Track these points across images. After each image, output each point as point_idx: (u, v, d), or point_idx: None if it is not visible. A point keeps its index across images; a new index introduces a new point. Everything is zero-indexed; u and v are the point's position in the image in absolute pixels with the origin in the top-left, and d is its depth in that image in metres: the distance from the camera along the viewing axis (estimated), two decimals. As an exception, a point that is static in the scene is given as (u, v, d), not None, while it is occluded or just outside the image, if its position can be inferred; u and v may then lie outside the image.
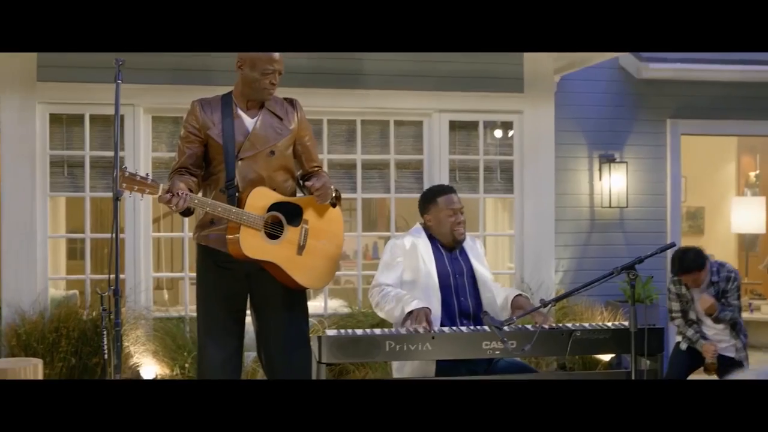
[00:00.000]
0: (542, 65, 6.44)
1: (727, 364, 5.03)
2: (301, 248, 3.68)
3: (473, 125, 6.46)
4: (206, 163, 3.72)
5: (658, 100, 7.44)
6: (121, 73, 3.26)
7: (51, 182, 5.97)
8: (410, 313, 3.59)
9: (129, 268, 5.97)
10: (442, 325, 3.72)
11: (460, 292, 3.86)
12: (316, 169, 3.89)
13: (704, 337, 5.11)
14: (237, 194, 3.59)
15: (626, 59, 7.31)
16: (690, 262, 4.99)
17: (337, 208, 3.87)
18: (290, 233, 3.65)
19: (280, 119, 3.71)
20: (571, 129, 7.20)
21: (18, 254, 5.82)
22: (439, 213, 3.92)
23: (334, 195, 3.80)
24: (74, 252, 7.88)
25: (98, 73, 5.69)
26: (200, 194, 3.65)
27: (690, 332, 5.14)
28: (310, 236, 3.71)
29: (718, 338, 5.11)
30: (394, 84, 6.27)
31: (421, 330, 3.47)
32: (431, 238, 3.94)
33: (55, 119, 5.99)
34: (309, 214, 3.73)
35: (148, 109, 6.04)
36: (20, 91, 5.86)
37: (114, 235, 3.16)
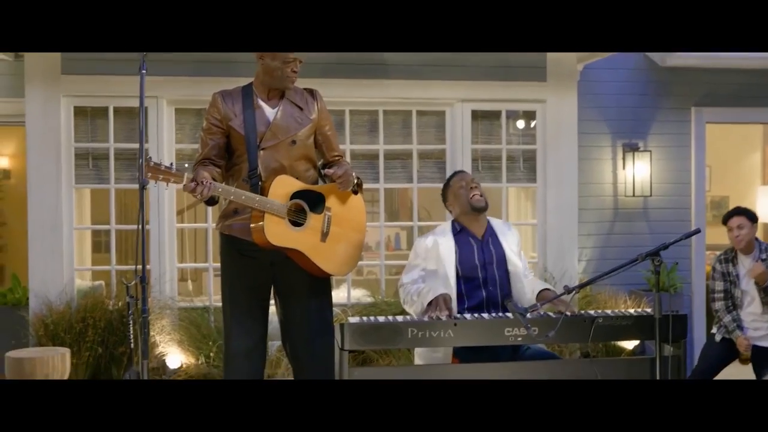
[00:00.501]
0: (565, 54, 6.41)
1: (762, 356, 4.98)
2: (324, 235, 3.70)
3: (496, 114, 6.45)
4: (229, 154, 3.75)
5: (682, 88, 7.37)
6: (145, 64, 3.29)
7: (76, 174, 6.04)
8: (430, 303, 3.62)
9: (154, 258, 6.03)
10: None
11: (489, 282, 3.85)
12: (337, 158, 3.91)
13: (740, 326, 5.05)
14: (260, 183, 3.62)
15: (650, 47, 7.24)
16: (738, 209, 5.12)
17: (359, 195, 3.89)
18: (313, 220, 3.68)
19: (301, 109, 3.74)
20: (594, 118, 7.15)
21: (44, 245, 5.89)
22: (454, 191, 3.99)
23: (355, 182, 3.82)
24: (99, 245, 7.97)
25: (122, 66, 5.75)
26: (223, 184, 3.68)
27: (728, 319, 5.05)
28: (334, 223, 3.73)
29: (755, 325, 5.04)
30: (416, 74, 6.27)
31: (443, 317, 3.48)
32: (460, 231, 3.94)
33: (79, 112, 6.06)
34: (331, 202, 3.75)
35: (172, 101, 6.09)
36: (45, 84, 5.92)
37: (140, 224, 3.20)
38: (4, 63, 6.63)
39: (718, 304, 5.13)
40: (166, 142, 6.05)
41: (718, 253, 5.31)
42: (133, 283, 3.39)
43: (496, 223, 4.07)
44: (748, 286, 5.04)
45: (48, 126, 5.92)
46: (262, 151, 3.65)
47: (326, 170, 3.74)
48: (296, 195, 3.65)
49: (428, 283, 3.78)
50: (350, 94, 6.17)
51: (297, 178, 3.70)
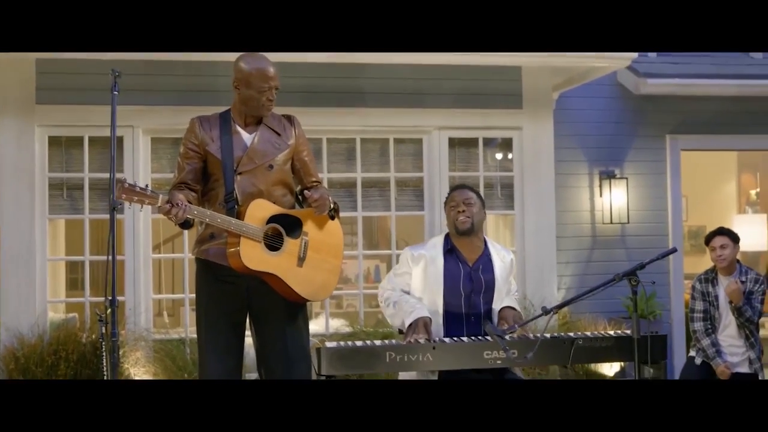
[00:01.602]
0: (540, 81, 6.46)
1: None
2: (301, 260, 3.66)
3: (473, 142, 6.47)
4: (205, 179, 3.72)
5: (657, 115, 7.44)
6: (117, 84, 3.26)
7: (50, 205, 5.98)
8: (410, 325, 3.57)
9: (129, 289, 5.95)
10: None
11: (472, 315, 3.76)
12: (314, 183, 3.88)
13: (719, 352, 5.03)
14: (236, 207, 3.59)
15: (624, 76, 7.33)
16: (721, 230, 5.15)
17: (336, 220, 3.86)
18: (290, 245, 3.63)
19: (278, 134, 3.73)
20: (570, 146, 7.20)
21: (17, 277, 5.80)
22: (447, 210, 3.87)
23: (332, 207, 3.79)
24: (75, 282, 7.86)
25: (97, 95, 5.69)
26: (199, 207, 3.64)
27: (706, 342, 5.04)
28: (310, 248, 3.69)
29: (732, 350, 5.04)
30: (393, 102, 6.29)
31: (421, 341, 3.44)
32: (450, 250, 3.82)
33: (54, 142, 6.01)
34: (309, 227, 3.71)
35: (148, 130, 6.06)
36: (19, 114, 5.88)
37: (110, 245, 3.14)
38: (-23, 94, 6.59)
39: (697, 325, 5.12)
40: (141, 172, 6.00)
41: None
42: (105, 314, 3.33)
43: (496, 248, 3.92)
44: (725, 308, 5.05)
45: (22, 156, 5.86)
46: (239, 176, 3.62)
47: (304, 192, 3.72)
48: (273, 219, 3.61)
49: (412, 302, 3.73)
50: (327, 122, 6.17)
51: (274, 203, 3.67)
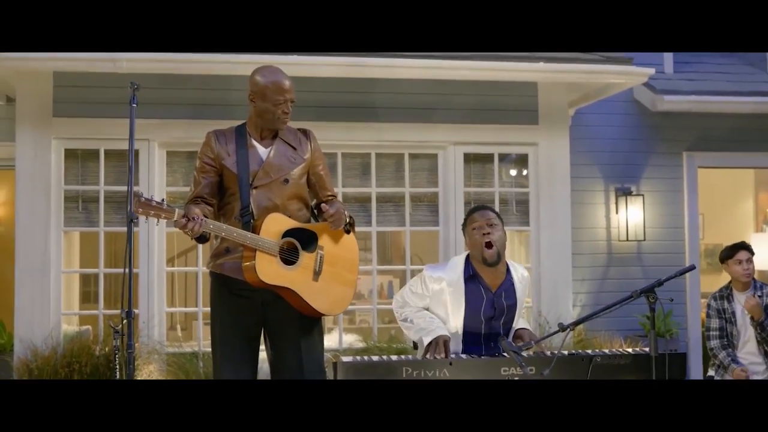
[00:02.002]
0: (556, 96, 6.45)
1: None
2: (316, 274, 3.65)
3: (488, 157, 6.46)
4: (221, 193, 3.73)
5: (673, 132, 7.42)
6: (136, 97, 3.27)
7: (65, 217, 6.00)
8: (430, 343, 3.56)
9: (143, 302, 5.95)
10: None
11: (491, 337, 3.72)
12: (330, 198, 3.88)
13: (735, 360, 4.99)
14: (252, 221, 3.59)
15: (641, 92, 7.32)
16: (744, 244, 5.10)
17: (352, 234, 3.85)
18: (306, 259, 3.63)
19: (294, 149, 3.73)
20: (586, 162, 7.18)
21: (32, 289, 5.82)
22: (469, 232, 3.72)
23: (348, 221, 3.78)
24: (88, 295, 7.88)
25: (113, 109, 5.74)
26: (215, 221, 3.64)
27: (722, 354, 5.00)
28: (326, 262, 3.68)
29: (753, 368, 4.98)
30: (408, 117, 6.29)
31: (438, 357, 3.43)
32: (472, 277, 3.70)
33: (70, 154, 6.04)
34: (324, 240, 3.71)
35: (163, 143, 6.09)
36: (36, 126, 5.92)
37: (127, 256, 3.15)
38: (-5, 106, 6.65)
39: (714, 342, 5.08)
40: (157, 185, 6.03)
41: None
42: (120, 325, 3.33)
43: (515, 269, 3.82)
44: (743, 325, 5.01)
45: (38, 168, 5.90)
46: (254, 190, 3.63)
47: (320, 206, 3.72)
48: (288, 233, 3.61)
49: (429, 319, 3.70)
50: (343, 137, 6.18)
51: (289, 217, 3.67)
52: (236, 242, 3.50)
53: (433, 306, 3.77)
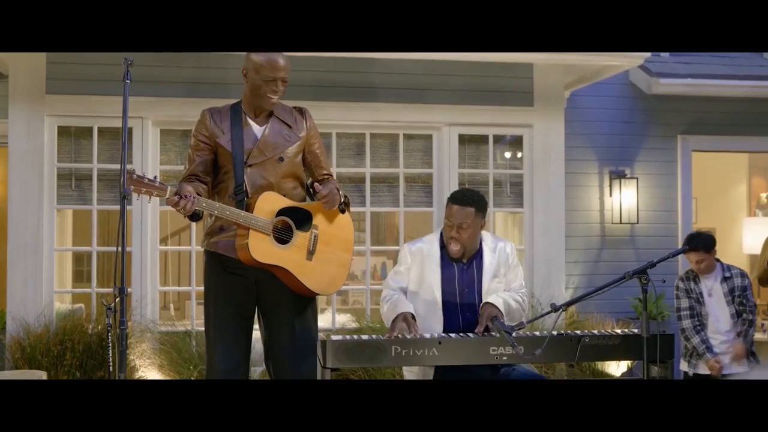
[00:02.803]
0: (552, 79, 6.45)
1: None
2: (310, 253, 3.66)
3: (483, 139, 6.47)
4: (216, 172, 3.73)
5: (668, 116, 7.43)
6: (129, 73, 3.27)
7: (58, 195, 5.99)
8: (395, 319, 3.63)
9: (135, 281, 5.96)
10: None
11: (466, 308, 3.81)
12: (325, 176, 3.88)
13: (709, 348, 5.04)
14: (245, 199, 3.59)
15: (636, 75, 7.32)
16: (700, 240, 5.08)
17: (347, 214, 3.86)
18: (300, 238, 3.64)
19: (289, 127, 3.73)
20: (581, 144, 7.19)
21: (24, 267, 5.82)
22: (445, 217, 3.87)
23: (342, 201, 3.79)
24: (81, 274, 7.89)
25: (107, 86, 5.73)
26: (208, 199, 3.64)
27: (696, 340, 5.05)
28: (320, 241, 3.69)
29: (722, 348, 5.05)
30: (404, 98, 6.29)
31: (400, 335, 3.49)
32: (444, 248, 3.89)
33: (63, 132, 6.03)
34: (318, 220, 3.72)
35: (157, 122, 6.08)
36: (29, 103, 5.90)
37: (120, 234, 3.15)
38: (-13, 84, 6.62)
39: (686, 323, 5.13)
40: (150, 163, 6.02)
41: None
42: (113, 303, 3.33)
43: (488, 241, 3.93)
44: (711, 305, 5.08)
45: (31, 146, 5.88)
46: (248, 168, 3.63)
47: (314, 185, 3.73)
48: (282, 212, 3.62)
49: (397, 300, 3.78)
50: (337, 116, 6.17)
51: (284, 196, 3.68)
52: (230, 221, 3.52)
53: (414, 276, 3.85)
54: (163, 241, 7.68)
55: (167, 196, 3.34)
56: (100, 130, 6.03)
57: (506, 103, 6.41)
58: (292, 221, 3.63)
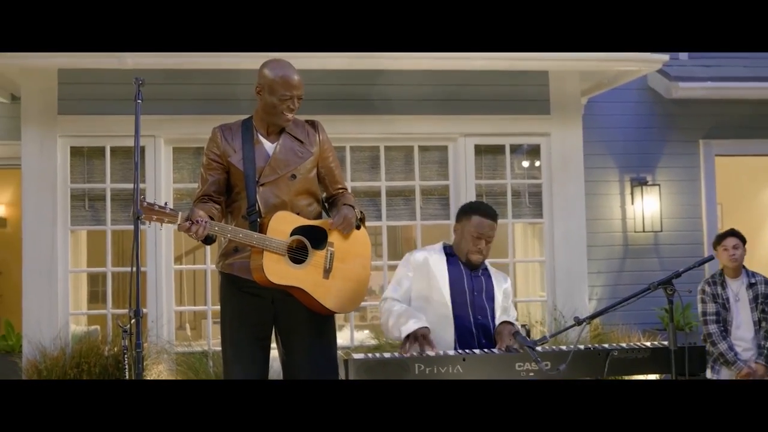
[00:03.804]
0: (568, 86, 6.41)
1: None
2: (327, 272, 3.63)
3: (499, 149, 6.43)
4: (228, 191, 3.71)
5: (689, 120, 7.37)
6: (141, 93, 3.26)
7: (72, 216, 6.01)
8: (407, 336, 3.55)
9: (151, 301, 5.96)
10: (457, 343, 3.67)
11: (477, 311, 3.78)
12: (340, 191, 3.86)
13: (737, 355, 5.03)
14: (259, 220, 3.57)
15: (655, 80, 7.27)
16: (732, 231, 5.24)
17: (363, 229, 3.83)
18: (315, 257, 3.60)
19: (301, 142, 3.70)
20: (600, 152, 7.14)
21: (39, 289, 5.83)
22: (467, 229, 3.82)
23: (358, 217, 3.76)
24: (96, 295, 7.90)
25: (118, 105, 5.75)
26: (223, 221, 3.62)
27: (724, 347, 5.02)
28: (337, 259, 3.66)
29: (746, 355, 5.04)
30: (418, 109, 6.27)
31: (415, 353, 3.42)
32: (451, 255, 3.88)
33: (75, 152, 6.05)
34: (334, 237, 3.68)
35: (169, 140, 6.08)
36: (41, 125, 5.93)
37: (134, 255, 3.14)
38: (0, 105, 6.67)
39: (712, 327, 5.10)
40: (164, 182, 6.03)
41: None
42: (128, 325, 3.32)
43: (493, 270, 3.98)
44: (736, 310, 5.06)
45: (44, 167, 5.91)
46: (261, 187, 3.60)
47: (328, 204, 3.71)
48: (297, 231, 3.59)
49: (410, 311, 3.71)
50: (351, 129, 6.16)
51: (298, 214, 3.65)
52: (243, 243, 3.49)
53: (419, 285, 3.81)
54: (178, 260, 7.69)
55: (179, 222, 3.32)
56: (113, 150, 6.05)
57: (522, 111, 6.37)
58: (308, 240, 3.60)
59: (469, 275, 3.84)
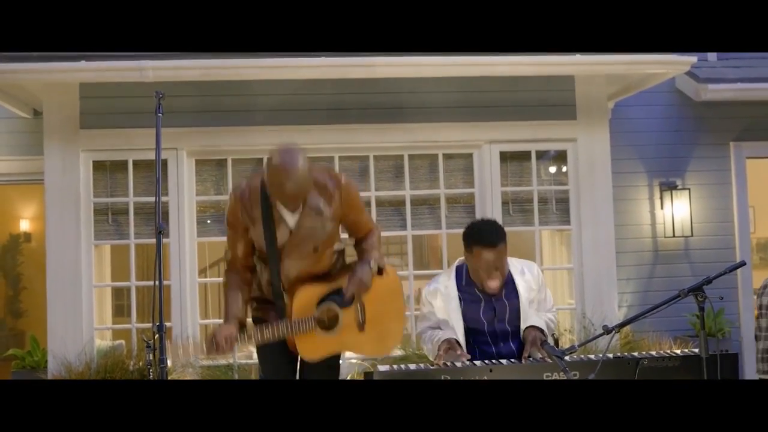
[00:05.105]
0: (595, 90, 6.38)
1: None
2: (361, 325, 3.67)
3: (525, 155, 6.41)
4: (253, 252, 3.71)
5: (719, 122, 7.31)
6: (161, 106, 3.30)
7: (95, 230, 6.07)
8: (439, 347, 3.59)
9: (175, 314, 6.00)
10: None
11: (499, 338, 3.74)
12: (367, 232, 3.81)
13: None
14: (282, 292, 3.63)
15: (683, 82, 7.22)
16: None
17: (387, 267, 3.79)
18: (346, 316, 3.65)
19: (323, 211, 3.57)
20: (628, 156, 7.11)
21: (64, 304, 5.90)
22: (473, 261, 3.68)
23: (376, 271, 3.69)
24: (121, 308, 7.96)
25: (139, 118, 5.80)
26: (246, 333, 3.62)
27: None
28: (368, 307, 3.69)
29: None
30: (442, 117, 6.27)
31: (449, 362, 3.43)
32: (466, 284, 3.76)
33: (98, 166, 6.12)
34: None
35: (192, 152, 6.13)
36: (63, 139, 6.00)
37: (157, 269, 3.18)
38: (23, 120, 6.79)
39: (765, 344, 4.96)
40: (186, 194, 6.08)
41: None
42: (153, 340, 3.37)
43: (515, 268, 3.82)
44: None
45: (67, 181, 5.98)
46: (283, 261, 3.59)
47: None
48: (322, 299, 3.64)
49: (438, 332, 3.72)
50: (374, 138, 6.19)
51: (323, 271, 3.69)
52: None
53: (439, 316, 3.79)
54: (202, 272, 7.73)
55: (206, 351, 3.51)
56: (135, 163, 6.11)
57: (548, 117, 6.35)
58: (335, 302, 3.62)
59: (488, 303, 3.73)
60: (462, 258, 3.85)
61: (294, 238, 3.55)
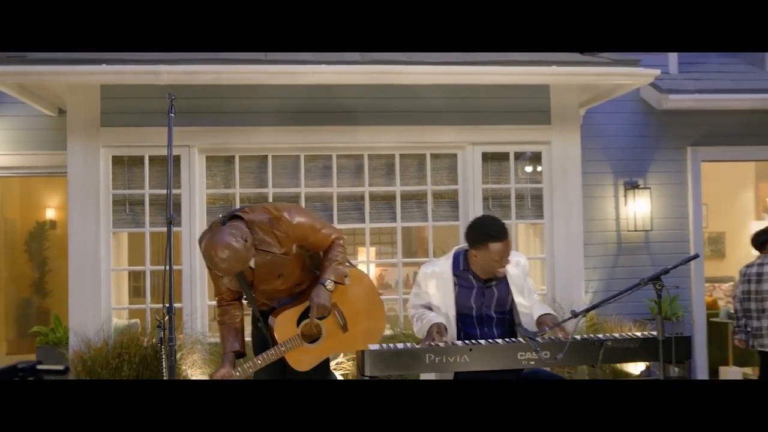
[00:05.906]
0: (568, 98, 6.39)
1: None
2: (344, 327, 3.70)
3: (504, 156, 6.41)
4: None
5: (678, 129, 7.34)
6: (173, 107, 3.28)
7: (114, 219, 6.04)
8: (427, 332, 3.59)
9: (186, 296, 5.98)
10: None
11: (484, 322, 3.74)
12: (329, 245, 3.78)
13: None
14: (265, 325, 3.73)
15: (647, 92, 7.24)
16: None
17: (354, 269, 3.86)
18: (328, 324, 3.70)
19: (273, 252, 3.60)
20: (597, 158, 7.13)
21: (84, 286, 5.87)
22: (487, 257, 3.64)
23: (331, 288, 3.67)
24: (138, 290, 7.93)
25: (155, 118, 5.75)
26: (240, 368, 3.67)
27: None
28: (346, 309, 3.72)
29: None
30: (430, 120, 6.26)
31: (441, 344, 3.42)
32: (462, 270, 3.74)
33: (117, 161, 6.08)
34: (334, 296, 3.71)
35: (203, 149, 6.11)
36: (85, 136, 5.97)
37: (167, 256, 3.17)
38: (49, 118, 6.74)
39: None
40: (197, 188, 6.05)
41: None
42: (163, 320, 3.37)
43: (509, 260, 3.79)
44: None
45: (88, 175, 5.95)
46: (257, 291, 3.70)
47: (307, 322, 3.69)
48: (301, 318, 3.68)
49: (429, 314, 3.72)
50: (369, 139, 6.18)
51: (299, 288, 3.75)
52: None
53: (432, 297, 3.79)
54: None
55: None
56: (151, 159, 6.08)
57: (525, 122, 6.35)
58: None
59: (479, 289, 3.73)
60: (460, 246, 3.85)
61: (258, 273, 3.63)
